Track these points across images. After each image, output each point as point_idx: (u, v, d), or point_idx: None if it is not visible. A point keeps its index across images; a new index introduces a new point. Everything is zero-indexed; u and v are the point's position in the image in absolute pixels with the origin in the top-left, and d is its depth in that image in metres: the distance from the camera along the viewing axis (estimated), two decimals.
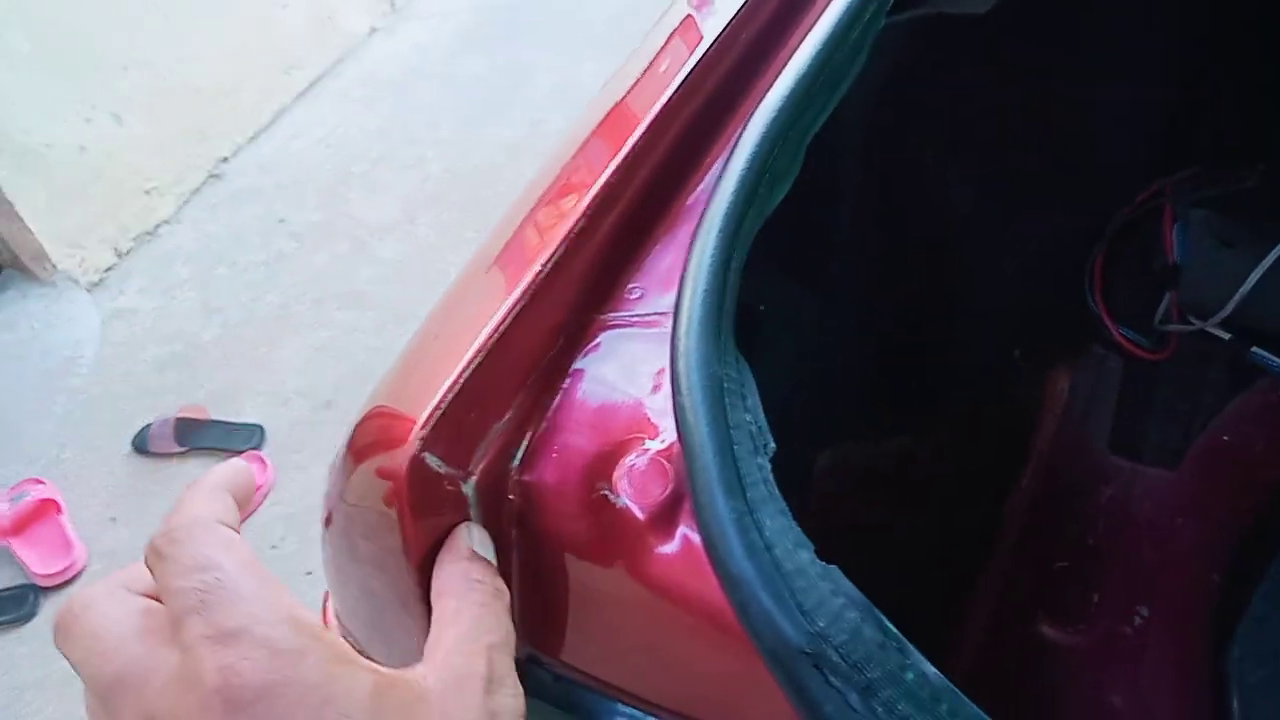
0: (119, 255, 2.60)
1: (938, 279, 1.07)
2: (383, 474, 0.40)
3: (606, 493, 0.43)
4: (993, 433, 1.19)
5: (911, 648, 0.38)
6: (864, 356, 1.13)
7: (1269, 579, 0.96)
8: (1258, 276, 1.03)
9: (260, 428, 2.15)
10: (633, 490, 0.42)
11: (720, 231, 0.48)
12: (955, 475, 1.20)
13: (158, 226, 2.68)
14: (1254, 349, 1.15)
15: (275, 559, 1.89)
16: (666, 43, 0.74)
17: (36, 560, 1.92)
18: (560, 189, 0.59)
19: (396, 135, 2.83)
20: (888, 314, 1.10)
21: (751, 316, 1.05)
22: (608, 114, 0.67)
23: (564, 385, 0.47)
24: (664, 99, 0.57)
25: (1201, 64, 1.27)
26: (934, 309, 1.09)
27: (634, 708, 0.47)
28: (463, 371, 0.41)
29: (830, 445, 1.24)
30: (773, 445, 0.43)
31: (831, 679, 0.36)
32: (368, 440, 0.43)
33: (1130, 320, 1.21)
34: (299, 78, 3.06)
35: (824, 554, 1.35)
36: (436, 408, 0.40)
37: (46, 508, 1.99)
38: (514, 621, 0.47)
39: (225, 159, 2.85)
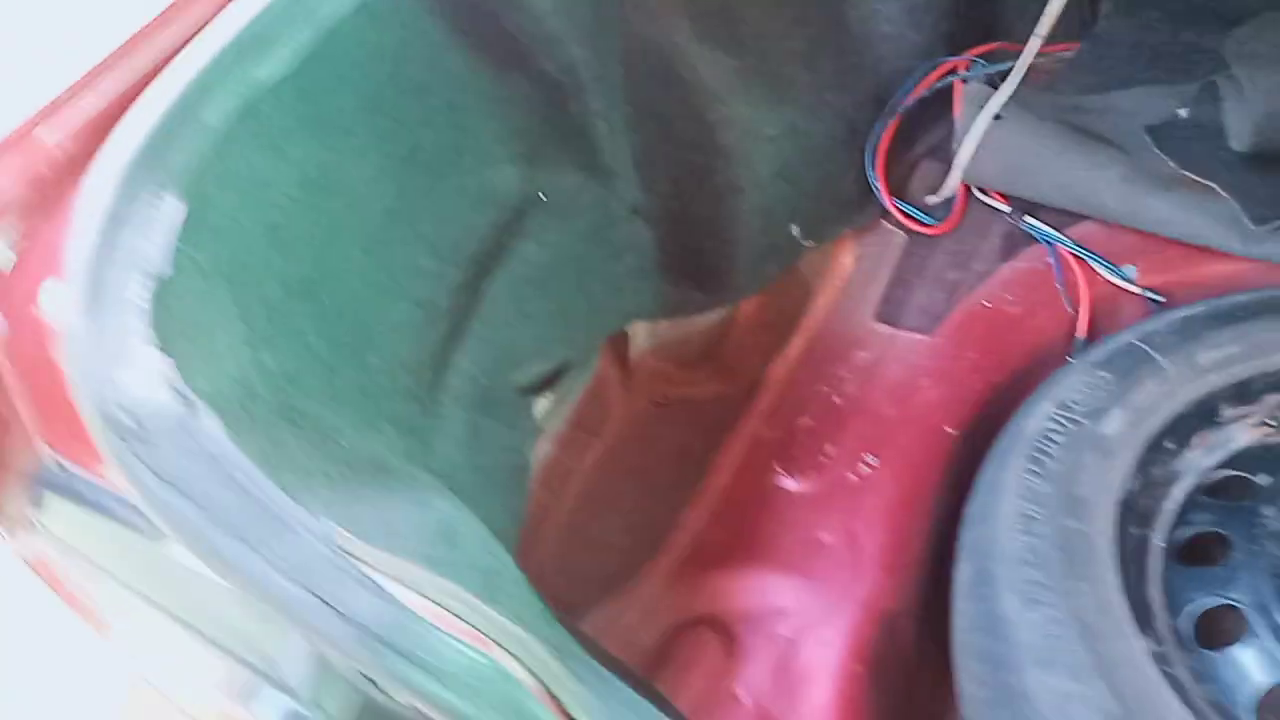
0: None
1: (701, 160, 1.11)
2: None
3: None
4: (774, 306, 1.24)
5: None
6: (649, 237, 1.18)
7: (1006, 435, 1.00)
8: (972, 148, 1.06)
9: None
10: None
11: None
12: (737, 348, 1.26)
13: None
14: (1025, 217, 1.19)
15: None
16: None
17: None
18: None
19: None
20: (663, 195, 1.15)
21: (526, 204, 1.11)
22: None
23: None
24: None
25: None
26: (703, 189, 1.13)
27: None
28: None
29: (635, 321, 1.30)
30: None
31: None
32: None
33: (915, 194, 1.25)
34: None
35: (654, 427, 1.39)
36: None
37: None
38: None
39: None
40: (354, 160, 0.89)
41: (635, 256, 1.19)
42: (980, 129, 1.15)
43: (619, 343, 1.36)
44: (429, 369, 0.96)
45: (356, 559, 0.42)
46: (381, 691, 0.42)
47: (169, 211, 0.52)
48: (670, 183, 1.14)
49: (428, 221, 0.99)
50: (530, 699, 0.43)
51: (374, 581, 0.42)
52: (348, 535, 0.43)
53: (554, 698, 0.44)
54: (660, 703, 0.86)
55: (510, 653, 0.43)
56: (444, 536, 0.55)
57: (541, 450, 1.28)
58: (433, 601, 0.42)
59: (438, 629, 0.42)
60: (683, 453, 1.24)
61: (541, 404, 1.18)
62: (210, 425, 0.44)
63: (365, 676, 0.42)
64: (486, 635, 0.43)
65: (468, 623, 0.43)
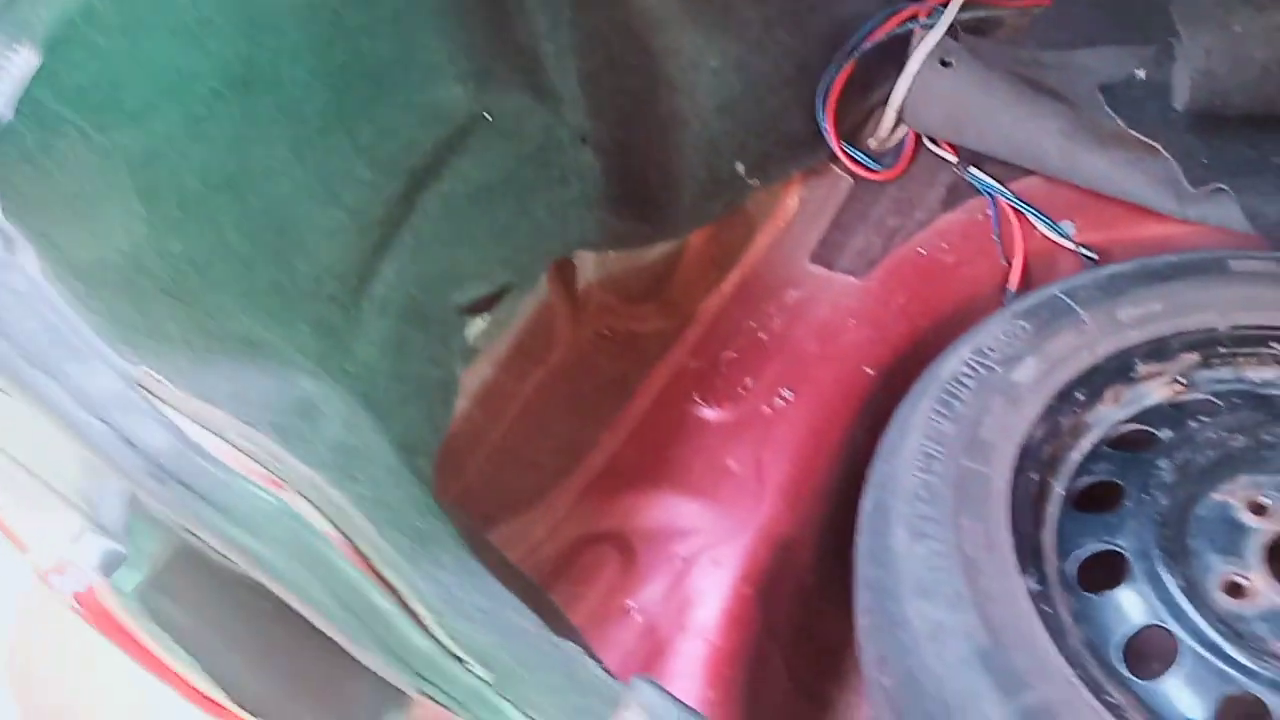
0: None
1: (646, 88, 1.11)
2: None
3: None
4: (720, 245, 1.25)
5: None
6: (596, 165, 1.19)
7: (923, 378, 1.02)
8: (905, 87, 1.06)
9: None
10: None
11: None
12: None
13: None
14: (970, 168, 1.19)
15: None
16: None
17: None
18: None
19: None
20: (609, 123, 1.15)
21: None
22: None
23: None
24: None
25: None
26: (647, 118, 1.13)
27: None
28: None
29: (579, 250, 1.31)
30: None
31: None
32: None
33: (869, 141, 1.25)
34: None
35: (595, 357, 1.40)
36: None
37: None
38: None
39: None
40: (286, 61, 0.90)
41: (580, 184, 1.20)
42: (914, 68, 1.14)
43: (567, 273, 1.37)
44: (356, 276, 0.98)
45: (158, 398, 0.44)
46: (192, 534, 0.44)
47: (20, 62, 0.52)
48: (615, 110, 1.14)
49: (368, 132, 1.00)
50: (330, 547, 0.45)
51: (170, 420, 0.43)
52: (157, 378, 0.44)
53: (360, 554, 0.45)
54: (551, 611, 0.88)
55: (311, 502, 0.45)
56: (300, 411, 0.57)
57: (483, 372, 1.30)
58: (233, 446, 0.44)
59: (227, 466, 0.43)
60: (620, 383, 1.26)
61: (477, 324, 1.19)
62: (27, 262, 0.45)
63: (178, 522, 0.43)
64: (286, 482, 0.45)
65: (266, 468, 0.45)
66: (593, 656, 0.72)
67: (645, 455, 1.02)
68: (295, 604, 0.43)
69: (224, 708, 0.48)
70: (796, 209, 1.22)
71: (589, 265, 1.37)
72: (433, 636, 0.47)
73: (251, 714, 0.52)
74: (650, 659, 0.88)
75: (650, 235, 1.25)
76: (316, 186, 0.95)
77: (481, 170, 1.12)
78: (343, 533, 0.45)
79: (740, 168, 1.19)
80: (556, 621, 0.83)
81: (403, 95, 1.04)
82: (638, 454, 1.03)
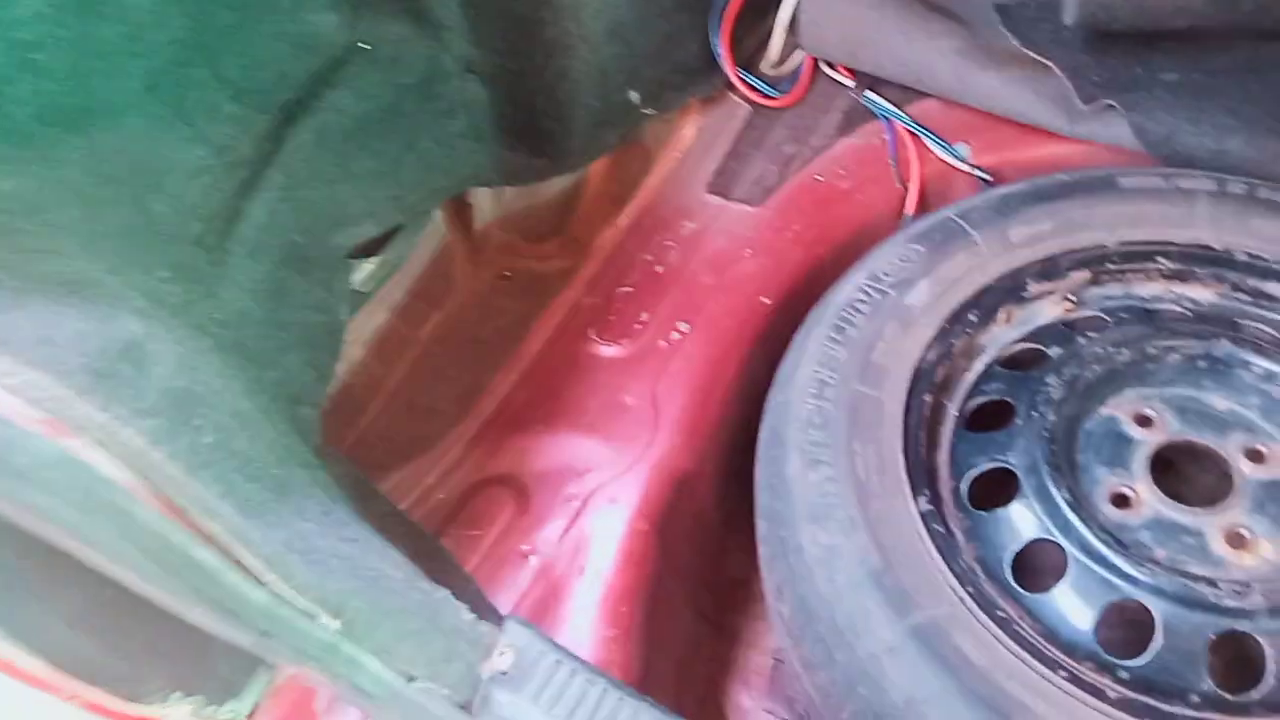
0: None
1: (530, 13, 1.06)
2: None
3: None
4: (618, 179, 1.22)
5: None
6: (484, 96, 1.14)
7: (819, 305, 1.00)
8: (792, 6, 1.03)
9: None
10: None
11: None
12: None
13: None
14: (866, 92, 1.17)
15: None
16: None
17: None
18: None
19: None
20: (496, 51, 1.10)
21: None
22: None
23: None
24: None
25: None
26: (534, 45, 1.08)
27: None
28: None
29: (473, 186, 1.26)
30: None
31: None
32: None
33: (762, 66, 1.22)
34: None
35: (496, 299, 1.35)
36: None
37: None
38: None
39: None
40: None
41: (468, 116, 1.14)
42: None
43: (465, 214, 1.32)
44: (223, 218, 0.92)
45: None
46: None
47: None
48: (500, 37, 1.09)
49: (232, 64, 0.94)
50: (127, 496, 0.41)
51: None
52: None
53: (171, 504, 0.42)
54: (439, 558, 0.86)
55: (105, 448, 0.41)
56: (125, 355, 0.52)
57: (378, 319, 1.25)
58: (5, 389, 0.40)
59: None
60: (522, 325, 1.23)
61: (366, 268, 1.14)
62: None
63: None
64: (74, 427, 0.41)
65: (47, 413, 0.41)
66: (481, 601, 0.70)
67: (539, 395, 0.99)
68: (94, 558, 0.40)
69: (43, 680, 0.45)
70: (694, 138, 1.19)
71: (487, 205, 1.33)
72: (268, 589, 0.44)
73: (86, 682, 0.49)
74: (546, 600, 0.86)
75: (545, 169, 1.21)
76: (175, 122, 0.89)
77: (360, 103, 1.06)
78: (146, 480, 0.42)
79: (634, 96, 1.15)
80: (445, 568, 0.80)
81: (270, 24, 0.97)
82: (532, 395, 1.00)
